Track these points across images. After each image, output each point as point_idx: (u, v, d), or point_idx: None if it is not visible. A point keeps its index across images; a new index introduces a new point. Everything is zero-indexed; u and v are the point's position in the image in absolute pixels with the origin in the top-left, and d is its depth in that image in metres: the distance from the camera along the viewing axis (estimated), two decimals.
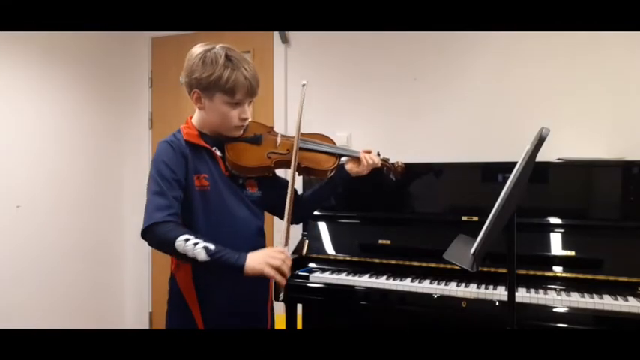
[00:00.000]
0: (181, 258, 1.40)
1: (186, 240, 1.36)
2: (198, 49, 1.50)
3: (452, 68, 2.66)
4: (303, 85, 1.61)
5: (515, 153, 1.40)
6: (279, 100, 3.04)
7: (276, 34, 3.02)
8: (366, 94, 2.83)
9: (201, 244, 1.36)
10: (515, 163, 1.27)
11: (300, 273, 2.20)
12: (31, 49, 2.82)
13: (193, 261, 1.37)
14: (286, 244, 1.45)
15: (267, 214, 1.68)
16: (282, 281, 1.38)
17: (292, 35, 3.01)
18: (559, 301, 1.79)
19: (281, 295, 1.41)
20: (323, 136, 1.79)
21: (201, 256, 1.35)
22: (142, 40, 3.44)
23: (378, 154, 1.83)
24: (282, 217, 1.62)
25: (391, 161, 1.89)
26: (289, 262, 1.40)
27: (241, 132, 1.58)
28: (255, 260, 1.37)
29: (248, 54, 3.09)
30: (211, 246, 1.36)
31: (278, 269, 1.37)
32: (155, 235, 1.40)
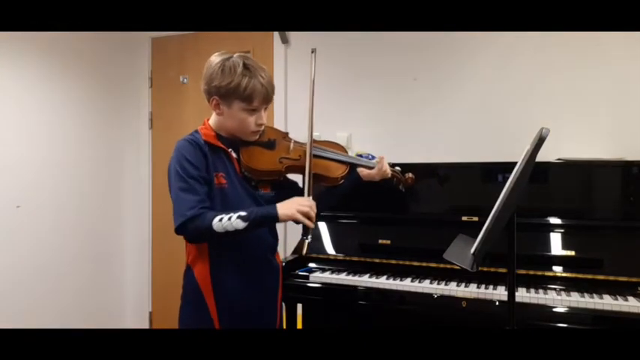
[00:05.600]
0: (226, 236, 1.47)
1: (220, 219, 1.45)
2: (216, 58, 1.56)
3: (452, 68, 2.66)
4: (313, 51, 1.67)
5: (515, 153, 1.40)
6: (279, 99, 3.04)
7: (276, 34, 3.02)
8: (366, 94, 2.83)
9: (234, 215, 1.45)
10: (515, 163, 1.27)
11: (300, 273, 2.20)
12: (31, 49, 2.82)
13: (236, 232, 1.45)
14: (309, 194, 1.57)
15: None
16: (311, 225, 1.51)
17: (292, 35, 3.01)
18: (559, 301, 1.79)
19: (309, 237, 1.54)
20: (336, 144, 1.83)
21: (240, 225, 1.45)
22: (142, 40, 3.44)
23: (391, 165, 1.87)
24: None
25: (401, 172, 1.93)
26: (315, 209, 1.53)
27: (257, 136, 1.63)
28: (286, 208, 1.50)
29: (248, 54, 3.09)
30: (243, 212, 1.47)
31: (306, 215, 1.50)
32: (189, 230, 1.47)
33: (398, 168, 1.95)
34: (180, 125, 3.27)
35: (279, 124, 2.95)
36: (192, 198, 1.47)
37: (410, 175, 1.93)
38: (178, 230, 1.48)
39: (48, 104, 2.93)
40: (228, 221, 1.44)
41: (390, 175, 1.83)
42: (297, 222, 1.53)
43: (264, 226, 1.57)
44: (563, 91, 2.44)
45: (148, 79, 3.45)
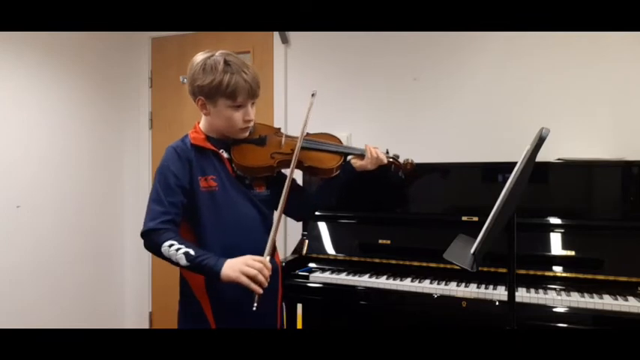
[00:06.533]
0: (170, 263, 1.45)
1: (170, 245, 1.42)
2: (199, 58, 1.54)
3: (452, 68, 2.65)
4: (313, 94, 1.64)
5: (515, 153, 1.40)
6: (279, 99, 3.04)
7: (276, 34, 3.02)
8: (366, 94, 2.83)
9: (183, 249, 1.41)
10: (515, 163, 1.27)
11: (300, 273, 2.20)
12: (31, 49, 2.82)
13: (177, 265, 1.43)
14: (269, 253, 1.47)
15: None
16: (258, 290, 1.39)
17: (292, 35, 3.01)
18: (559, 301, 1.79)
19: (255, 305, 1.37)
20: (329, 135, 1.82)
21: (182, 261, 1.41)
22: (142, 40, 3.44)
23: (387, 152, 1.84)
24: (290, 216, 1.80)
25: (400, 159, 1.91)
26: (267, 272, 1.42)
27: (247, 133, 1.62)
28: (232, 268, 1.40)
29: (248, 54, 3.09)
30: (192, 251, 1.41)
31: (254, 279, 1.38)
32: (147, 242, 1.48)
33: (396, 154, 1.93)
34: (180, 125, 3.27)
35: (279, 124, 2.95)
36: (158, 209, 1.46)
37: (409, 160, 1.90)
38: (141, 236, 1.48)
39: (48, 104, 2.93)
40: (175, 252, 1.41)
41: (385, 162, 1.81)
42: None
43: (205, 275, 1.48)
44: (563, 91, 2.44)
45: (147, 79, 3.45)
